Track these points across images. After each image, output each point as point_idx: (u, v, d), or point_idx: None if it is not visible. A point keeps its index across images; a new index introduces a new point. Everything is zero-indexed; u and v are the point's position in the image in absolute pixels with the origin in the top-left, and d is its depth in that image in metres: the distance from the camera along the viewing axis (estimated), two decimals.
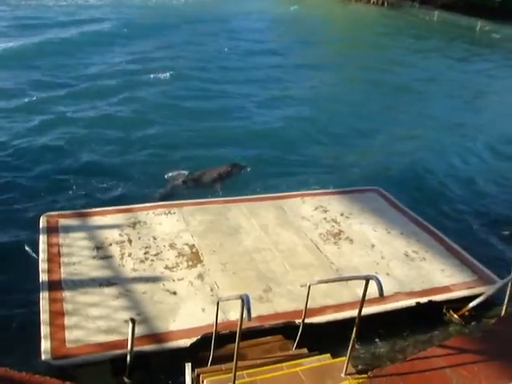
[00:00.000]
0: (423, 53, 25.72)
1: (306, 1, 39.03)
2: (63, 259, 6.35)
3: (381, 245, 7.52)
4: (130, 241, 6.93)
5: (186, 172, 9.97)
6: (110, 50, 19.65)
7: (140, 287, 6.03)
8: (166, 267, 6.47)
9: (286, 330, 5.66)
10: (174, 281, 6.23)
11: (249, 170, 10.46)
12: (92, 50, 19.14)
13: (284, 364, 4.96)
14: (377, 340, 5.92)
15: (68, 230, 6.99)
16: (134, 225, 7.33)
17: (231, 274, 6.48)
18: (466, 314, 6.36)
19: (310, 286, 5.16)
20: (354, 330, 4.54)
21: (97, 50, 19.26)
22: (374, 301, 5.33)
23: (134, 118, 12.87)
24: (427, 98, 17.76)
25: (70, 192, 8.99)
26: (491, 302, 6.48)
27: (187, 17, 27.88)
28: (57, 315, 5.42)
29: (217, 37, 24.26)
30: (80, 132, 11.66)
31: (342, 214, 8.28)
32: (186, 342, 5.27)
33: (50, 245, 6.58)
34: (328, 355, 5.17)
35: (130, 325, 4.53)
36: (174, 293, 6.02)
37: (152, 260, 6.58)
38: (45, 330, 5.20)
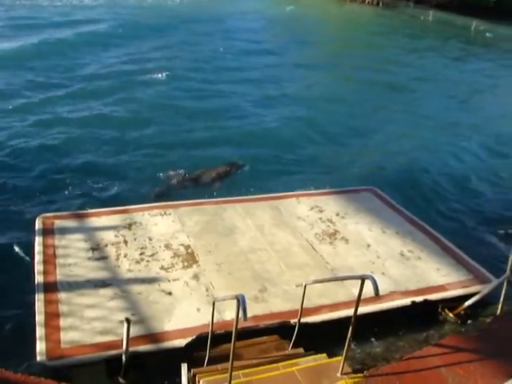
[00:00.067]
0: (418, 52, 25.81)
1: (302, 1, 39.11)
2: (59, 260, 6.33)
3: (376, 244, 7.54)
4: (125, 242, 6.92)
5: (182, 172, 9.97)
6: (106, 51, 19.61)
7: (135, 288, 6.02)
8: (162, 268, 6.47)
9: (281, 329, 5.66)
10: (169, 281, 6.23)
11: (244, 169, 10.45)
12: (87, 51, 19.09)
13: (280, 364, 4.96)
14: (372, 339, 5.93)
15: (64, 231, 6.97)
16: (129, 226, 7.32)
17: (226, 275, 6.48)
18: (462, 312, 6.38)
19: (305, 286, 5.16)
20: (350, 329, 4.55)
21: (92, 51, 19.22)
22: (369, 300, 5.34)
23: (130, 118, 12.85)
24: (422, 98, 17.80)
25: (66, 192, 8.99)
26: (487, 301, 6.50)
27: (182, 17, 27.86)
28: (52, 316, 5.41)
29: (212, 37, 24.23)
30: (76, 132, 11.62)
31: (337, 214, 8.29)
32: (181, 342, 5.27)
33: (45, 246, 6.57)
34: (324, 355, 5.18)
35: (125, 325, 4.52)
36: (170, 293, 6.01)
37: (147, 261, 6.58)
38: (40, 331, 5.19)
